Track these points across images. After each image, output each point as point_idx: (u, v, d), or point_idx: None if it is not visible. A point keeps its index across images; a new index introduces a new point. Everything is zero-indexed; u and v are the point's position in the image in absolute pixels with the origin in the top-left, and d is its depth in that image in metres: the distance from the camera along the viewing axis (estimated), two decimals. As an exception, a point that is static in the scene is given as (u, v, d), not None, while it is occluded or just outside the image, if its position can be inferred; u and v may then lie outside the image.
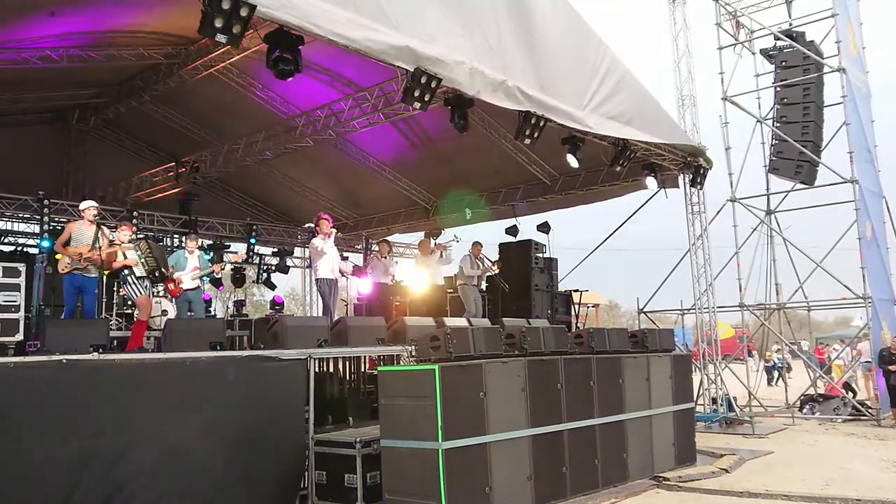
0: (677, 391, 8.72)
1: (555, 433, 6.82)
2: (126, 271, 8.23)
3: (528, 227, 15.01)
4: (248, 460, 6.34)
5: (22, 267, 6.45)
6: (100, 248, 7.80)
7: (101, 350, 6.34)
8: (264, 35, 6.98)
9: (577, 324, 14.67)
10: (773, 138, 14.60)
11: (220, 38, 5.83)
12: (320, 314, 11.02)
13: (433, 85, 7.29)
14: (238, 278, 17.99)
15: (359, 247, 18.82)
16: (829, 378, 15.13)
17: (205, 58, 11.38)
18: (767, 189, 15.29)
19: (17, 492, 5.10)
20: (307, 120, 12.97)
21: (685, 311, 14.24)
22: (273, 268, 17.93)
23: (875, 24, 18.54)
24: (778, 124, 14.40)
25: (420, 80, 7.17)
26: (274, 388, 6.76)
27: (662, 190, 12.76)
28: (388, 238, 17.90)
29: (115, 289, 11.00)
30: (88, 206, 8.09)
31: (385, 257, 12.56)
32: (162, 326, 8.62)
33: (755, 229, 15.11)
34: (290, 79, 7.07)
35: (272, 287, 18.31)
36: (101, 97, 13.85)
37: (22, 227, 15.41)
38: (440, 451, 5.73)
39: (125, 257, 8.19)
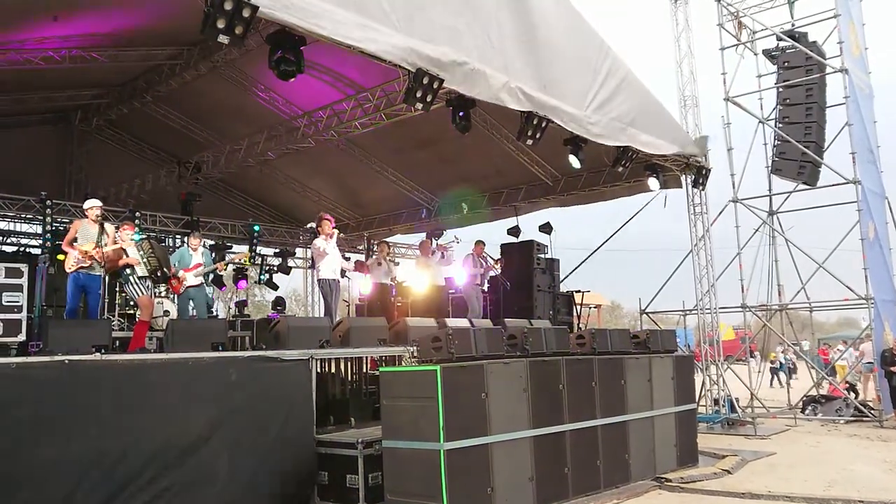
0: (679, 392, 8.71)
1: (557, 434, 6.82)
2: (128, 271, 8.26)
3: (529, 227, 15.03)
4: (251, 460, 6.34)
5: (24, 267, 6.45)
6: (105, 245, 7.84)
7: (103, 350, 6.35)
8: (266, 36, 6.99)
9: (578, 324, 14.67)
10: (775, 139, 14.57)
11: (223, 38, 5.83)
12: (322, 315, 11.03)
13: (435, 86, 7.29)
14: (240, 279, 17.98)
15: (360, 247, 18.82)
16: (833, 380, 15.10)
17: (207, 58, 11.40)
18: (770, 190, 15.27)
19: (18, 492, 5.11)
20: (309, 120, 12.99)
21: (687, 312, 14.23)
22: (275, 268, 17.95)
23: (877, 24, 18.55)
24: (780, 125, 14.38)
25: (422, 80, 7.16)
26: (277, 389, 6.77)
27: (663, 194, 12.73)
28: (389, 239, 17.97)
29: (117, 289, 11.01)
30: (92, 206, 8.15)
31: (385, 257, 12.56)
32: (164, 327, 8.63)
33: (757, 230, 15.10)
34: (292, 79, 7.08)
35: (274, 287, 18.33)
36: (104, 98, 13.87)
37: (24, 227, 15.46)
38: (442, 451, 5.72)
39: (127, 255, 8.21)
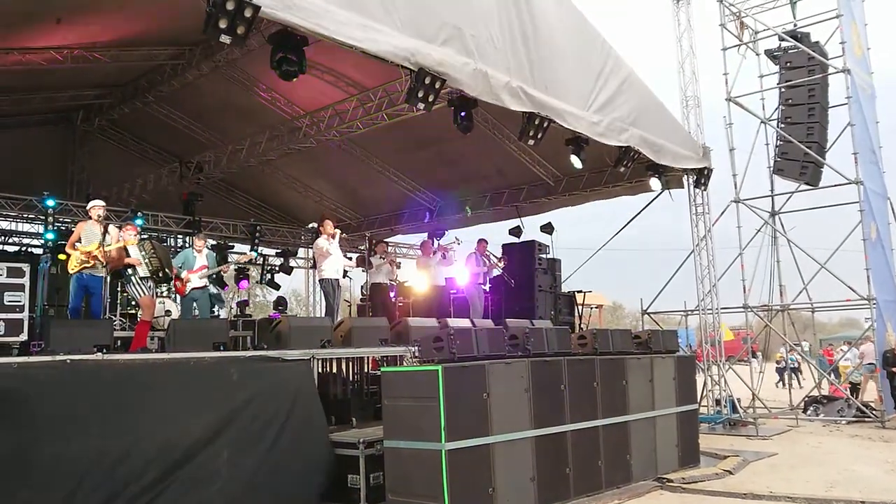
0: (681, 392, 8.70)
1: (558, 434, 6.81)
2: (130, 271, 8.27)
3: (531, 227, 15.03)
4: (252, 461, 6.33)
5: (26, 267, 6.45)
6: (109, 245, 7.86)
7: (104, 350, 6.36)
8: (268, 36, 6.99)
9: (580, 325, 14.67)
10: (777, 139, 14.55)
11: (224, 38, 5.84)
12: (323, 315, 11.04)
13: (437, 86, 7.29)
14: (241, 278, 18.00)
15: (362, 247, 18.82)
16: (834, 380, 15.07)
17: (209, 58, 11.40)
18: (772, 190, 15.25)
19: (19, 491, 5.11)
20: (311, 120, 12.99)
21: (689, 313, 14.22)
22: (276, 268, 17.96)
23: (880, 24, 18.51)
24: (782, 125, 14.36)
25: (424, 80, 7.16)
26: (278, 389, 6.77)
27: (667, 191, 12.72)
28: (391, 239, 17.99)
29: (118, 289, 11.03)
30: (95, 205, 8.19)
31: (384, 258, 12.57)
32: (165, 327, 8.64)
33: (759, 230, 15.09)
34: (294, 80, 7.08)
35: (276, 287, 18.34)
36: (106, 98, 13.89)
37: (26, 227, 15.48)
38: (443, 451, 5.72)
39: (129, 255, 8.22)
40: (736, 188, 14.83)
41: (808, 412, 13.59)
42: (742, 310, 14.93)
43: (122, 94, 13.47)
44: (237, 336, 9.98)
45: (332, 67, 11.99)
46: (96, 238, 7.89)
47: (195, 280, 9.32)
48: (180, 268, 9.40)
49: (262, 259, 17.53)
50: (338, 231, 10.27)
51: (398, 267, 13.13)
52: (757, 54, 15.45)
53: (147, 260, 8.28)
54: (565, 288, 14.93)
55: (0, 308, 6.12)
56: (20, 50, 10.12)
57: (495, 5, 8.12)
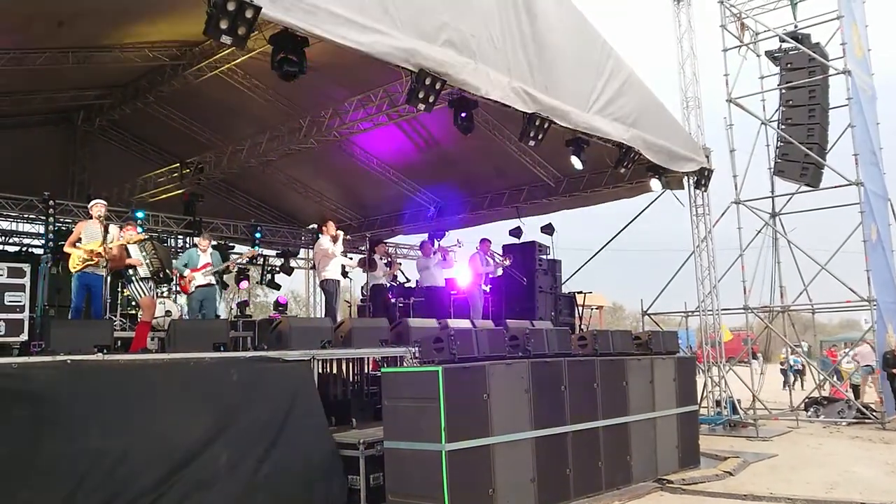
0: (681, 393, 8.70)
1: (558, 435, 6.81)
2: (130, 271, 8.26)
3: (531, 228, 15.03)
4: (252, 461, 6.33)
5: (27, 267, 6.45)
6: (110, 243, 7.86)
7: (105, 351, 6.36)
8: (269, 37, 6.99)
9: (580, 326, 14.66)
10: (777, 140, 14.56)
11: (225, 39, 5.85)
12: (323, 315, 11.03)
13: (438, 86, 7.30)
14: (241, 279, 17.98)
15: (363, 248, 18.82)
16: (835, 381, 15.07)
17: (210, 59, 11.40)
18: (772, 191, 15.26)
19: (19, 491, 5.11)
20: (311, 121, 12.98)
21: (689, 314, 14.22)
22: (277, 269, 17.96)
23: (881, 26, 18.52)
24: (783, 126, 14.36)
25: (424, 81, 7.17)
26: (278, 389, 6.76)
27: (669, 192, 12.72)
28: (391, 239, 17.97)
29: (119, 289, 11.02)
30: (96, 204, 8.20)
31: (384, 258, 12.56)
32: (166, 327, 8.64)
33: (760, 231, 15.09)
34: (295, 80, 7.08)
35: (276, 287, 18.34)
36: (107, 98, 13.87)
37: (27, 227, 15.48)
38: (443, 452, 5.73)
39: (129, 255, 8.23)
40: (736, 189, 14.86)
41: (809, 413, 13.59)
42: (742, 311, 14.94)
43: (122, 95, 13.45)
44: (237, 337, 9.99)
45: (333, 67, 11.97)
46: (97, 237, 7.88)
47: (199, 278, 9.31)
48: (184, 266, 9.40)
49: (262, 259, 17.52)
50: (340, 233, 10.29)
51: (399, 266, 13.13)
52: (757, 55, 15.47)
53: (148, 260, 8.28)
54: (566, 289, 14.93)
55: (0, 308, 6.11)
56: (21, 50, 10.12)
57: (495, 6, 8.13)
